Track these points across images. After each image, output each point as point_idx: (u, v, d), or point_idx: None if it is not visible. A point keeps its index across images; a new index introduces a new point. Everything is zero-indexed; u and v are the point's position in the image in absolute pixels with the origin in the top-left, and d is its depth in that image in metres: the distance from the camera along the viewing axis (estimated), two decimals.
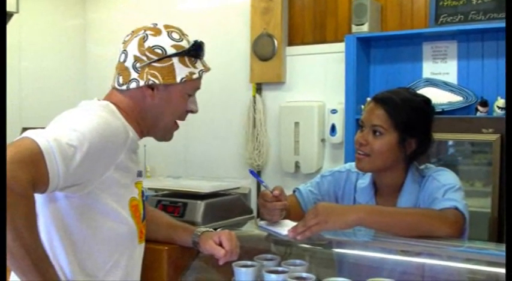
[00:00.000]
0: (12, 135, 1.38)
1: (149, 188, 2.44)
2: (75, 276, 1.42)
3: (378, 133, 1.85)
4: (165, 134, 1.65)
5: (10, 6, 3.80)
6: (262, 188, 1.86)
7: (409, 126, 1.84)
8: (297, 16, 4.17)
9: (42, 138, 1.24)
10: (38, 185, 1.22)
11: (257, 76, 4.26)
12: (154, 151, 4.06)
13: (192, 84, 1.59)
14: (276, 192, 1.81)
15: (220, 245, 1.68)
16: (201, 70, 1.59)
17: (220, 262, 1.67)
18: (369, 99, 3.56)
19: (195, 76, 1.57)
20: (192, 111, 1.65)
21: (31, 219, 1.20)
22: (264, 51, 4.19)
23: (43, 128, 1.33)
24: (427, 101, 1.92)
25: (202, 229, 1.76)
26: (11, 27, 3.70)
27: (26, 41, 4.61)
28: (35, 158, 1.20)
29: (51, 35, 4.89)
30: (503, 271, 1.41)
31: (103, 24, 5.06)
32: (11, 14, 3.86)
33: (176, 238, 1.77)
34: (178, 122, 1.67)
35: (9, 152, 1.17)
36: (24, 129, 1.36)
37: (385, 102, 1.86)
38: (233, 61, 4.38)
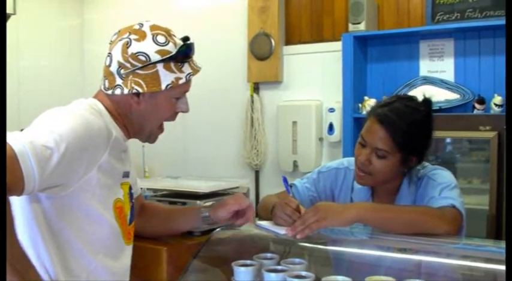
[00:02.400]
0: None
1: (148, 189, 2.44)
2: (58, 276, 1.42)
3: (381, 155, 1.82)
4: (149, 138, 1.63)
5: (8, 7, 3.81)
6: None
7: (413, 147, 1.83)
8: (294, 15, 4.18)
9: (17, 141, 1.24)
10: (12, 189, 1.22)
11: (254, 75, 4.26)
12: (152, 151, 4.06)
13: (179, 89, 1.55)
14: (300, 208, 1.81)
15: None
16: (189, 74, 1.53)
17: (245, 220, 1.72)
18: (366, 97, 3.60)
19: (181, 81, 1.52)
20: (183, 112, 1.61)
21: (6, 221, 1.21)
22: (261, 50, 4.19)
23: None
24: (428, 113, 1.86)
25: (207, 204, 1.76)
26: (8, 28, 3.69)
27: (23, 42, 4.61)
28: (10, 163, 1.20)
29: (49, 35, 4.89)
30: (501, 267, 1.42)
31: (100, 23, 5.06)
32: (8, 15, 3.87)
33: (175, 226, 1.78)
34: (176, 122, 1.65)
35: None
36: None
37: (389, 123, 1.80)
38: (230, 61, 4.38)
